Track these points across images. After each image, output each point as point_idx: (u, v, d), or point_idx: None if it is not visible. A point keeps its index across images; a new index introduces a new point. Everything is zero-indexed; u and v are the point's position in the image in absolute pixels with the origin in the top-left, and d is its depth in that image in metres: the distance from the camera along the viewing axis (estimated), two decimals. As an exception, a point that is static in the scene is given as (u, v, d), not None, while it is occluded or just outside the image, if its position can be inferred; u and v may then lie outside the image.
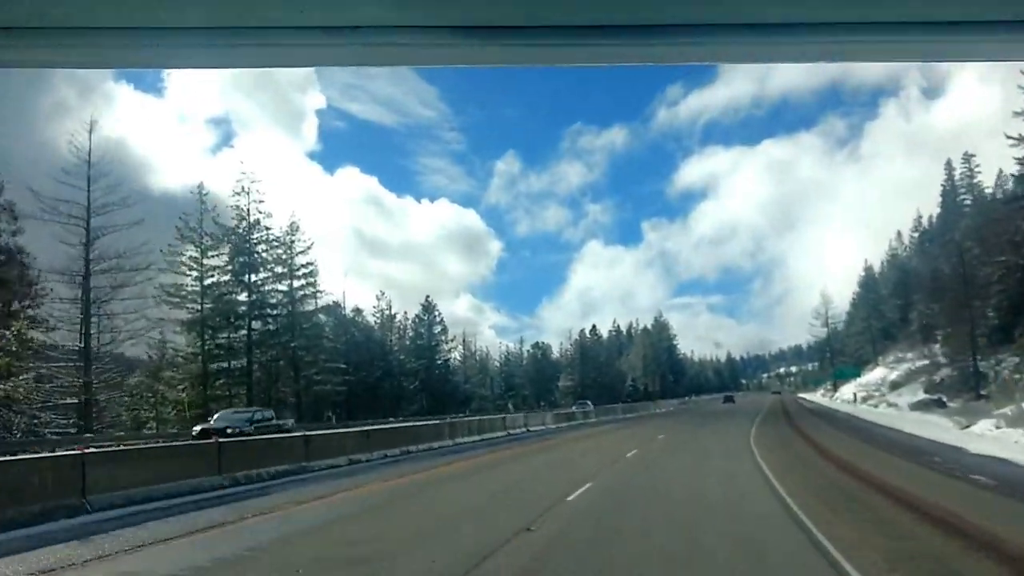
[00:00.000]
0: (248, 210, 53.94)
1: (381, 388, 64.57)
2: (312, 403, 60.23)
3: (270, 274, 55.40)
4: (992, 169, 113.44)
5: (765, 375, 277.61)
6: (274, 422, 33.40)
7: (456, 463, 21.48)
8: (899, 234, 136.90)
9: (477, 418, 31.05)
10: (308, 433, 22.63)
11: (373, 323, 74.36)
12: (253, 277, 54.01)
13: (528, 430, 37.69)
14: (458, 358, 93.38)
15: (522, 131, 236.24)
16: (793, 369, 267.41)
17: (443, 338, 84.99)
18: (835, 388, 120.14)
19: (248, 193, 53.94)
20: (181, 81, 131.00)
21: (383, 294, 76.29)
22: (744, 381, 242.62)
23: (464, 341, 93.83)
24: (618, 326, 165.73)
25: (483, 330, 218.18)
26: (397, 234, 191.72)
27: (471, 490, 16.41)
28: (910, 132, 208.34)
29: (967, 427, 37.28)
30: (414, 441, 25.61)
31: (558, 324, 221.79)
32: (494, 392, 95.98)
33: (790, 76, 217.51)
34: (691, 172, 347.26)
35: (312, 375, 56.74)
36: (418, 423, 29.97)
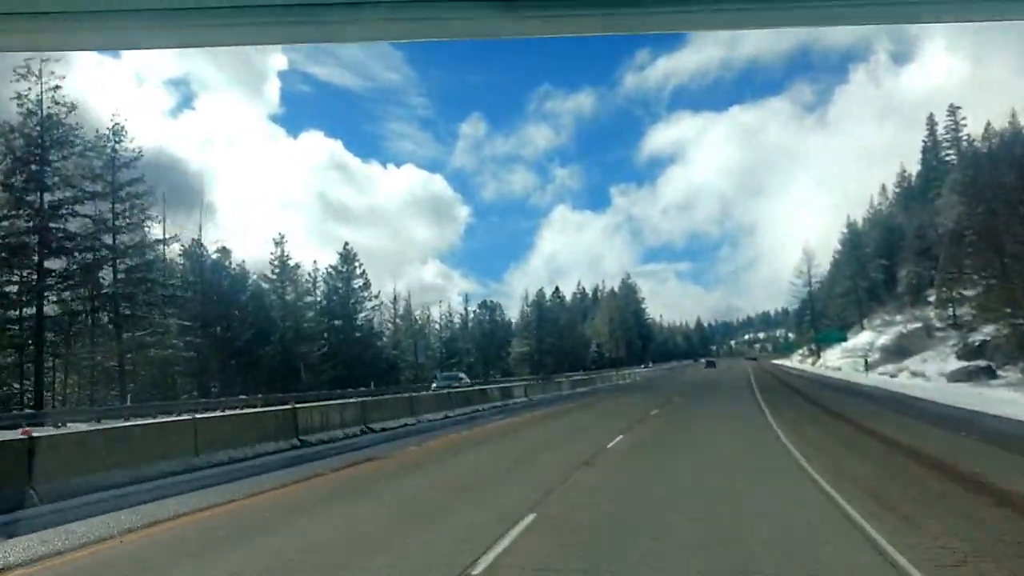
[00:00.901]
0: (41, 101, 36.58)
1: (260, 354, 47.98)
2: (158, 372, 43.35)
3: (77, 192, 38.08)
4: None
5: (733, 341, 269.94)
6: None
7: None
8: (884, 188, 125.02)
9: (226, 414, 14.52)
10: None
11: (270, 273, 57.12)
12: (48, 197, 36.77)
13: (366, 428, 20.82)
14: (390, 320, 76.87)
15: (488, 93, 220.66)
16: (761, 335, 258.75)
17: (365, 295, 68.28)
18: (818, 354, 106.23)
19: (39, 77, 36.50)
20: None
21: (282, 238, 59.00)
22: (713, 347, 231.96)
23: (397, 299, 77.09)
24: (583, 289, 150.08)
25: (452, 296, 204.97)
26: (363, 200, 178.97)
27: None
28: (879, 97, 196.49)
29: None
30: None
31: (525, 290, 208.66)
32: (431, 359, 79.61)
33: (759, 42, 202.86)
34: (659, 137, 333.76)
35: (144, 336, 39.86)
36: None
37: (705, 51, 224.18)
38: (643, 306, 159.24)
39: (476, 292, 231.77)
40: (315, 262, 64.96)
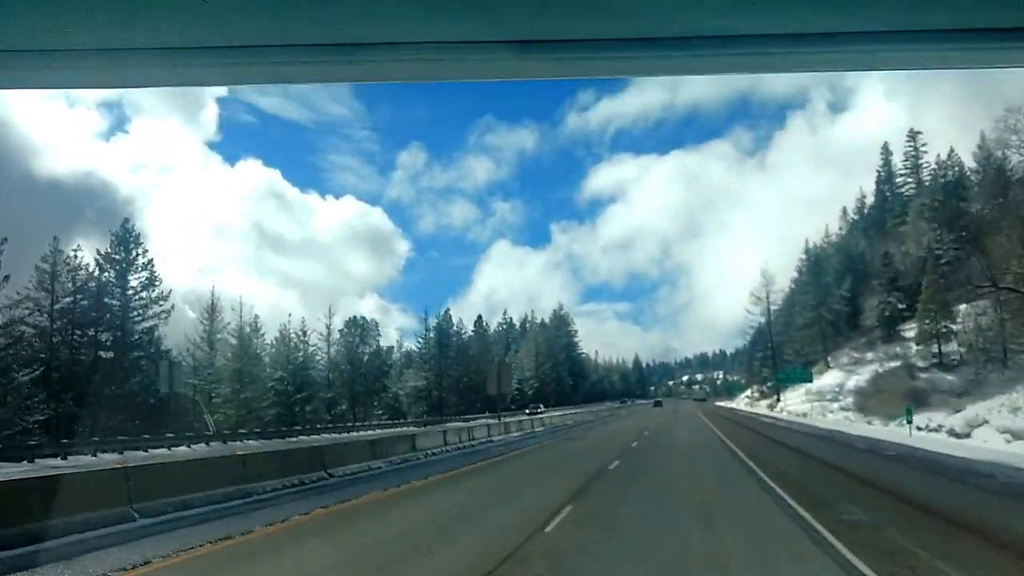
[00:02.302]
0: None
1: None
2: None
3: None
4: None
5: (671, 382, 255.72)
6: None
7: None
8: (844, 211, 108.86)
9: None
10: None
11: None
12: None
13: None
14: (202, 336, 52.40)
15: (430, 123, 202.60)
16: (699, 376, 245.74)
17: (146, 296, 44.21)
18: (777, 396, 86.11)
19: None
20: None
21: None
22: (652, 387, 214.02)
23: (217, 308, 52.60)
24: (510, 319, 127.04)
25: (389, 331, 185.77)
26: (300, 231, 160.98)
27: None
28: (816, 144, 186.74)
29: None
30: None
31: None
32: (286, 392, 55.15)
33: (700, 88, 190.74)
34: (601, 177, 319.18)
35: None
36: None
37: (647, 95, 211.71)
38: (576, 339, 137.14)
39: (414, 327, 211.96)
40: (55, 238, 40.56)
